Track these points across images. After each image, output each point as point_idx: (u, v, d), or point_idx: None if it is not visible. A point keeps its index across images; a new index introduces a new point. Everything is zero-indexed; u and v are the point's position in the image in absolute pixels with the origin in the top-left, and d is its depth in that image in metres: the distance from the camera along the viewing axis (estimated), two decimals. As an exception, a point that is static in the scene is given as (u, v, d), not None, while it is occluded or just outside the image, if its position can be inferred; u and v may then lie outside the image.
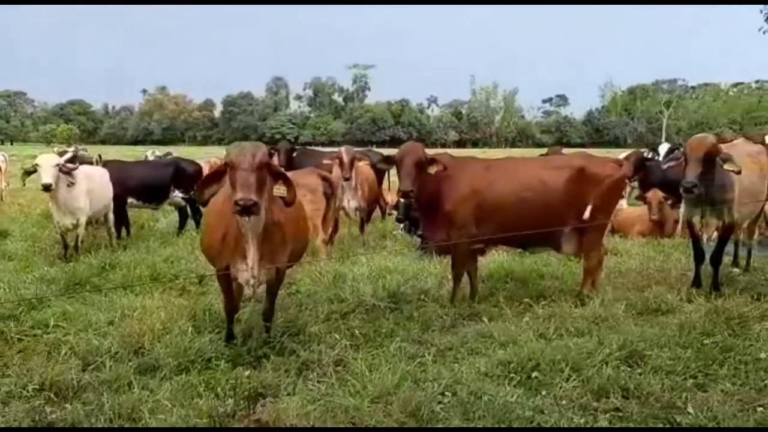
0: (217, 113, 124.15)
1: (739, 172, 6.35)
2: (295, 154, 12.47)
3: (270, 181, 4.59)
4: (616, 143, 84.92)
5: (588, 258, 6.56)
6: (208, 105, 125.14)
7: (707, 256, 7.11)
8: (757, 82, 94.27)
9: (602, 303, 6.20)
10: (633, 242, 9.99)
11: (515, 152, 67.31)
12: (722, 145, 7.31)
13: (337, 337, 5.21)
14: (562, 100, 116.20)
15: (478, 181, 6.34)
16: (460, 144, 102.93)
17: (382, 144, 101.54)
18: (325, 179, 8.75)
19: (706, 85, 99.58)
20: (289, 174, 8.87)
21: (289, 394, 4.26)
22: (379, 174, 11.77)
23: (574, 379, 4.50)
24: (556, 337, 5.46)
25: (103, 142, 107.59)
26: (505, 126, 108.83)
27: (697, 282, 7.08)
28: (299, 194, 8.58)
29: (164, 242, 10.03)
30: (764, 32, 16.02)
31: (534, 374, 4.60)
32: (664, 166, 6.81)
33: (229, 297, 5.06)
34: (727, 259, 8.34)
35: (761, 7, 15.98)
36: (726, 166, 6.33)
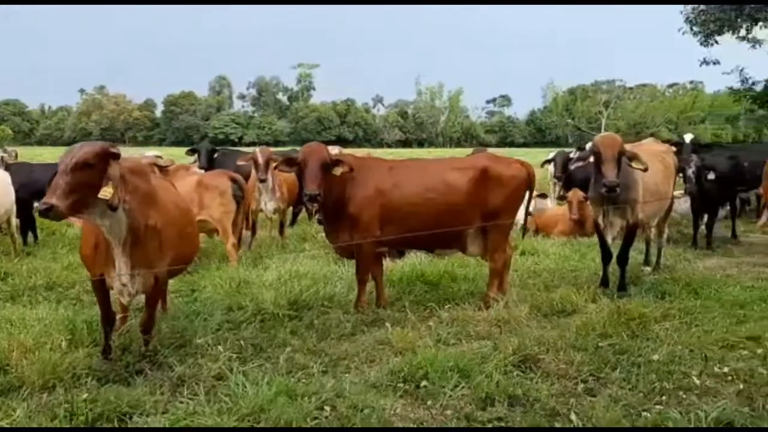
0: (158, 113, 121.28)
1: (645, 170, 6.35)
2: (216, 155, 12.11)
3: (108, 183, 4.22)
4: (558, 143, 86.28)
5: (493, 259, 6.46)
6: (149, 105, 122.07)
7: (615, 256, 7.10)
8: (691, 82, 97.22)
9: (506, 305, 6.11)
10: (552, 242, 10.01)
11: (457, 152, 67.76)
12: (628, 145, 7.36)
13: (221, 349, 4.93)
14: (506, 100, 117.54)
15: (382, 182, 6.17)
16: (405, 144, 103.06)
17: (328, 144, 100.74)
18: (234, 181, 8.45)
19: (644, 85, 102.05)
20: (198, 176, 8.70)
21: (157, 413, 3.99)
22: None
23: (463, 387, 4.37)
24: (455, 343, 5.35)
25: (39, 143, 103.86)
26: (450, 126, 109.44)
27: (604, 282, 7.08)
28: (208, 197, 8.36)
29: (73, 248, 9.55)
30: (683, 33, 16.41)
31: (423, 383, 4.44)
32: (572, 167, 6.77)
33: (104, 307, 4.73)
34: (641, 257, 8.44)
35: (681, 8, 16.36)
36: (633, 165, 6.33)
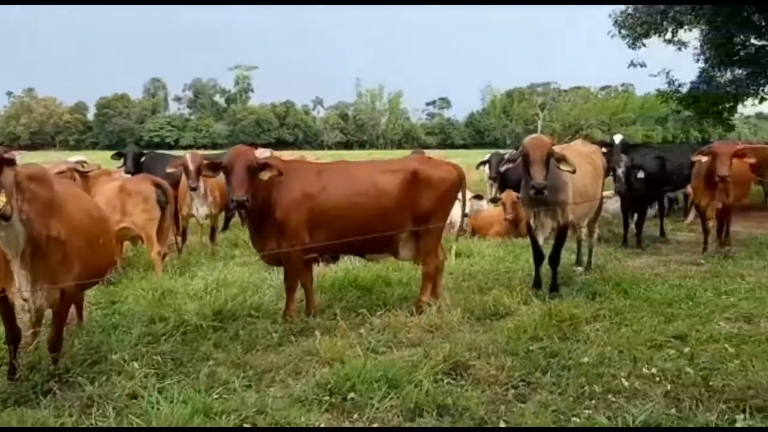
0: (90, 116, 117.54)
1: (573, 172, 6.35)
2: (144, 159, 11.64)
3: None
4: (497, 144, 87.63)
5: (425, 263, 6.35)
6: (80, 108, 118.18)
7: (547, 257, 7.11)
8: (623, 85, 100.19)
9: (439, 310, 6.01)
10: (488, 243, 10.01)
11: (398, 154, 67.95)
12: (557, 147, 7.37)
13: (137, 365, 4.64)
14: (445, 102, 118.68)
15: (309, 186, 5.98)
16: (347, 146, 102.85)
17: (267, 146, 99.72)
18: (158, 186, 8.10)
19: (578, 88, 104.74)
20: (120, 181, 8.31)
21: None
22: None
23: (392, 398, 4.22)
24: (386, 351, 5.20)
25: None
26: (391, 128, 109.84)
27: (537, 283, 7.07)
28: (131, 203, 7.99)
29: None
30: (612, 36, 16.77)
31: (351, 395, 4.27)
32: (502, 169, 6.72)
33: (8, 324, 4.38)
34: (574, 257, 8.49)
35: (610, 10, 16.73)
36: (561, 166, 6.31)
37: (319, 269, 7.29)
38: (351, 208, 5.95)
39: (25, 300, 4.11)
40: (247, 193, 5.59)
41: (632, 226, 10.36)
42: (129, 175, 10.40)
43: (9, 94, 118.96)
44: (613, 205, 11.12)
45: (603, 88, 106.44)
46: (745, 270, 7.92)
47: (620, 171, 9.87)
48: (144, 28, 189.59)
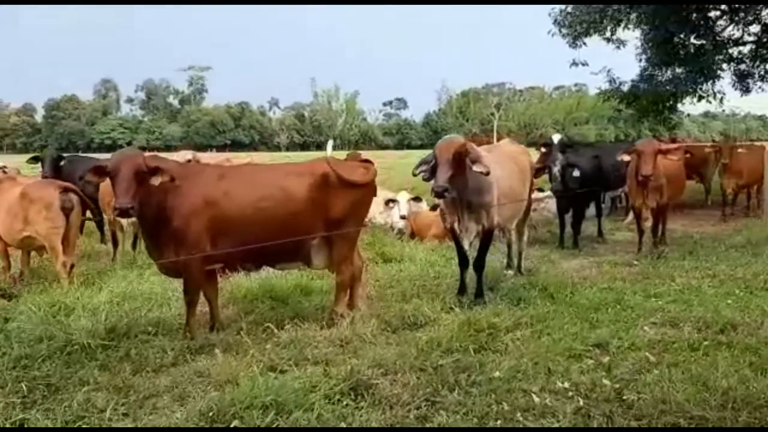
0: (38, 118, 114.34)
1: (487, 174, 6.05)
2: (63, 163, 11.02)
3: None
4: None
5: (339, 272, 5.98)
6: (28, 109, 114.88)
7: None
8: (576, 85, 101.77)
9: (352, 322, 5.65)
10: (422, 246, 9.70)
11: (363, 155, 67.44)
12: (485, 146, 7.09)
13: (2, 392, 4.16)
14: (402, 103, 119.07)
15: (210, 191, 5.53)
16: (303, 147, 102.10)
17: (222, 148, 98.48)
18: (66, 190, 7.55)
19: (532, 88, 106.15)
20: (22, 187, 7.74)
21: None
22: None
23: (279, 424, 3.84)
24: (288, 369, 4.81)
25: None
26: (348, 129, 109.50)
27: (462, 289, 6.77)
28: (33, 210, 7.43)
29: None
30: (553, 35, 16.67)
31: (234, 423, 3.88)
32: (416, 172, 6.40)
33: None
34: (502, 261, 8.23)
35: (549, 10, 16.62)
36: (474, 168, 6.01)
37: (234, 279, 6.89)
38: (256, 215, 5.53)
39: None
40: (133, 199, 5.11)
41: (570, 227, 10.17)
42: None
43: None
44: (555, 204, 10.93)
45: (557, 88, 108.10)
46: (676, 271, 7.76)
47: (556, 170, 9.68)
48: (94, 28, 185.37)
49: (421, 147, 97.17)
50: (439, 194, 5.89)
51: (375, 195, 6.21)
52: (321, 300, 6.61)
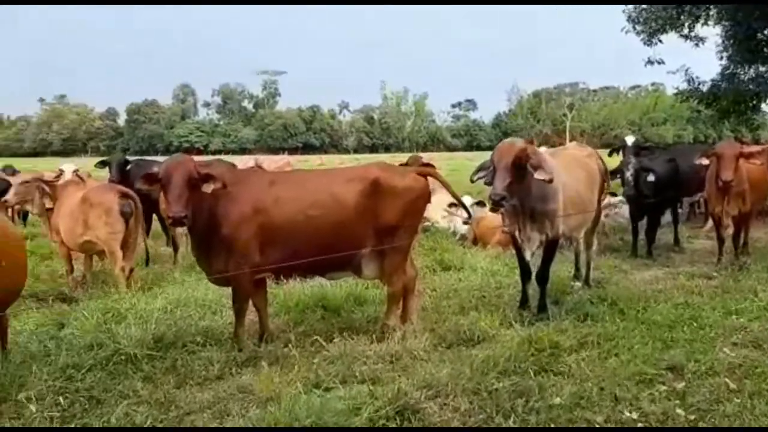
0: (121, 122, 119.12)
1: (550, 181, 5.64)
2: (129, 167, 11.17)
3: None
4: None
5: (391, 283, 5.71)
6: (111, 114, 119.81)
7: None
8: (653, 84, 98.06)
9: (403, 337, 5.36)
10: (485, 254, 9.32)
11: (425, 156, 67.02)
12: (550, 150, 6.69)
13: (34, 409, 4.07)
14: (471, 104, 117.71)
15: (260, 198, 5.37)
16: (372, 149, 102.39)
17: (294, 150, 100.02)
18: (125, 196, 7.59)
19: (606, 88, 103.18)
20: (83, 191, 7.82)
21: None
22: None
23: (319, 450, 3.61)
24: (333, 386, 4.57)
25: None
26: (417, 131, 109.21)
27: (523, 303, 6.39)
28: (93, 215, 7.49)
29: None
30: (626, 32, 15.88)
31: (271, 446, 3.67)
32: (474, 179, 6.07)
33: None
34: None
35: (623, 7, 15.84)
36: (536, 175, 5.61)
37: (286, 287, 6.72)
38: (306, 222, 5.33)
39: None
40: (185, 208, 5.00)
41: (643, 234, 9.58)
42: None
43: (41, 101, 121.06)
44: (628, 210, 10.34)
45: (633, 88, 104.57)
46: (759, 285, 7.08)
47: (628, 174, 9.13)
48: (173, 34, 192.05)
49: (490, 149, 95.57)
50: (496, 203, 5.54)
51: (429, 201, 5.90)
52: (374, 311, 6.35)
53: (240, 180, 5.46)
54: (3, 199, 7.68)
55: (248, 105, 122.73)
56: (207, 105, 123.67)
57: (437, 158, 55.81)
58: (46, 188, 8.18)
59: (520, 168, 5.57)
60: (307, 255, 5.28)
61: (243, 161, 10.25)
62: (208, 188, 5.13)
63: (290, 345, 5.32)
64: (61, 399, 4.23)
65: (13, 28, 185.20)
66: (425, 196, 5.75)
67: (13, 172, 13.70)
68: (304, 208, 5.36)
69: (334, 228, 5.39)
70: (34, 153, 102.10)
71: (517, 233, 6.22)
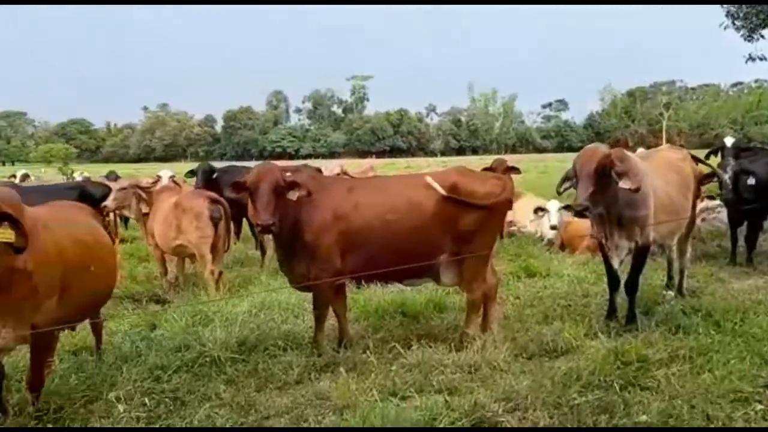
0: (218, 128, 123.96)
1: (636, 190, 5.37)
2: (216, 175, 11.54)
3: None
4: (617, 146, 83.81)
5: (470, 290, 5.62)
6: (209, 121, 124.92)
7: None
8: (756, 81, 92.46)
9: (483, 347, 5.26)
10: (572, 260, 9.04)
11: (515, 158, 66.15)
12: (641, 152, 6.40)
13: (122, 409, 4.23)
14: (562, 104, 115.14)
15: (341, 204, 5.40)
16: (459, 152, 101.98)
17: (382, 154, 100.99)
18: (215, 202, 7.85)
19: (706, 85, 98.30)
20: (176, 197, 8.13)
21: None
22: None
23: (392, 461, 3.58)
24: (409, 396, 4.54)
25: (106, 160, 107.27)
26: (505, 132, 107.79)
27: (611, 313, 6.13)
28: (185, 220, 7.78)
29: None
30: (725, 28, 15.01)
31: (345, 454, 3.67)
32: (561, 190, 5.88)
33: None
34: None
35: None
36: (621, 183, 5.34)
37: (367, 293, 6.75)
38: (385, 228, 5.33)
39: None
40: (273, 216, 5.10)
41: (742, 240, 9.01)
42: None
43: (145, 109, 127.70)
44: (725, 215, 9.77)
45: (734, 85, 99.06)
46: None
47: (726, 177, 8.61)
48: (266, 41, 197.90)
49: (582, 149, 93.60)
50: (579, 213, 5.34)
51: (510, 209, 5.77)
52: (454, 318, 6.28)
53: (322, 187, 5.51)
54: (102, 204, 8.10)
55: (337, 110, 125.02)
56: (298, 111, 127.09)
57: (526, 160, 55.08)
58: (142, 194, 8.58)
59: (604, 176, 5.35)
60: (386, 261, 5.27)
61: (329, 167, 10.36)
62: (293, 195, 5.22)
63: (368, 351, 5.32)
64: (146, 400, 4.38)
65: (119, 39, 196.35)
66: (507, 203, 5.62)
67: (116, 178, 14.48)
68: (383, 214, 5.36)
69: (413, 234, 5.35)
70: (139, 159, 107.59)
71: (604, 240, 5.98)
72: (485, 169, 11.30)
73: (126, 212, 9.00)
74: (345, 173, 9.44)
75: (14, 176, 21.56)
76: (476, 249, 5.44)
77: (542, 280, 7.92)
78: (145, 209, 8.52)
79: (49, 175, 33.31)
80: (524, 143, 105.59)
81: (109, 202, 8.30)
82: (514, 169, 11.06)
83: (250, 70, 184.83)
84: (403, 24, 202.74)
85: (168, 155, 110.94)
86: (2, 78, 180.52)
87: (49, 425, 4.17)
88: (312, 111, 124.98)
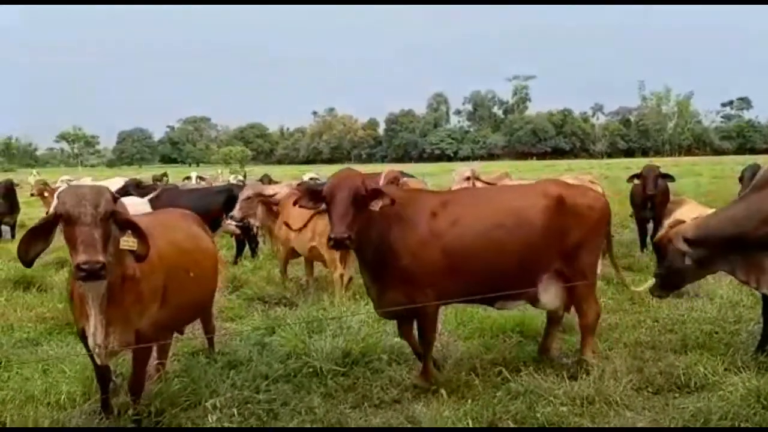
0: (380, 131, 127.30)
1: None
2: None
3: (116, 233, 3.80)
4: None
5: (584, 313, 5.19)
6: (372, 124, 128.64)
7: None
8: None
9: (600, 377, 4.75)
10: (730, 280, 8.02)
11: (683, 161, 61.56)
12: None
13: (212, 419, 4.25)
14: (745, 103, 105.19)
15: (438, 219, 4.93)
16: (628, 153, 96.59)
17: (543, 155, 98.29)
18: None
19: None
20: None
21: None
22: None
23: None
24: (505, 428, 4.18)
25: (278, 162, 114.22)
26: (679, 133, 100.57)
27: (763, 344, 5.32)
28: (321, 223, 7.82)
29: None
30: None
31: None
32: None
33: (94, 363, 4.31)
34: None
35: None
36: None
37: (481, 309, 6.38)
38: (489, 247, 4.91)
39: (98, 345, 3.96)
40: (350, 228, 4.51)
41: None
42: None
43: (314, 113, 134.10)
44: None
45: None
46: None
47: None
48: (428, 46, 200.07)
49: (766, 152, 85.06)
50: None
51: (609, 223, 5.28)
52: (576, 341, 5.77)
53: (411, 199, 5.10)
54: (230, 215, 8.37)
55: (498, 111, 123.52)
56: (458, 112, 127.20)
57: (701, 163, 50.96)
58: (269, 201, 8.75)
59: None
60: (487, 281, 4.92)
61: (459, 171, 10.04)
62: (376, 205, 4.66)
63: (474, 373, 5.01)
64: (235, 411, 4.37)
65: (290, 48, 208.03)
66: (608, 217, 5.31)
67: (270, 181, 15.11)
68: (487, 230, 4.95)
69: (519, 252, 4.95)
70: (307, 161, 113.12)
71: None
72: (633, 176, 10.51)
73: (252, 220, 9.20)
74: (476, 179, 9.09)
75: (189, 178, 23.43)
76: (582, 268, 5.04)
77: (690, 301, 7.10)
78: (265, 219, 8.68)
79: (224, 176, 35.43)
80: (701, 144, 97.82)
81: (235, 212, 8.55)
82: (667, 176, 10.19)
83: (410, 73, 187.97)
84: (567, 21, 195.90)
85: (334, 157, 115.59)
86: (191, 86, 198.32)
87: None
88: (472, 112, 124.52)
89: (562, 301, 5.22)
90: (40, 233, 3.77)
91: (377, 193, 4.70)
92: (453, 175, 10.49)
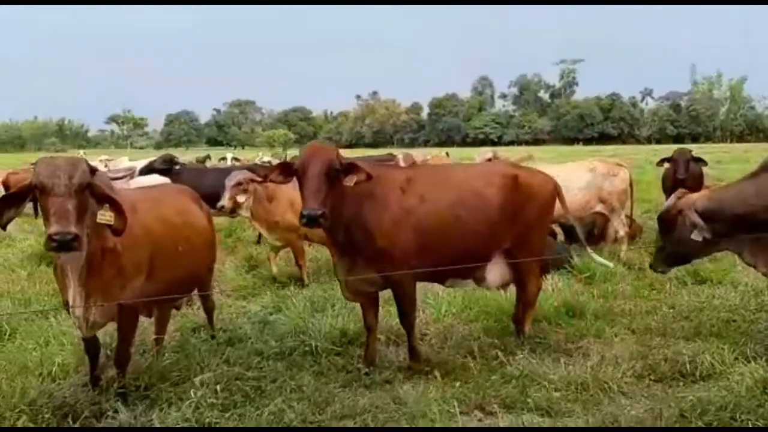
0: (423, 115, 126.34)
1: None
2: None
3: (92, 206, 3.77)
4: None
5: (525, 288, 5.29)
6: (415, 108, 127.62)
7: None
8: None
9: (601, 362, 4.57)
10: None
11: (735, 147, 59.53)
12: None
13: (193, 394, 4.19)
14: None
15: (405, 197, 4.79)
16: (677, 139, 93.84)
17: (589, 141, 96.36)
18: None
19: None
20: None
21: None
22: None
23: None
24: (499, 411, 4.07)
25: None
26: (732, 119, 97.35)
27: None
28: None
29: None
30: None
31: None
32: None
33: (81, 335, 4.31)
34: None
35: None
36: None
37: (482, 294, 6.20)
38: (454, 224, 4.85)
39: (76, 317, 3.97)
40: (323, 204, 4.31)
41: None
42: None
43: (357, 97, 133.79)
44: None
45: None
46: None
47: None
48: (474, 29, 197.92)
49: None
50: None
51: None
52: (584, 326, 5.58)
53: (382, 176, 4.86)
54: (218, 204, 7.73)
55: (544, 95, 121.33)
56: (503, 96, 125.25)
57: (752, 149, 49.12)
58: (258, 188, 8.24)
59: None
60: (450, 259, 4.85)
61: (481, 154, 9.86)
62: (350, 181, 4.46)
63: (470, 356, 4.89)
64: (218, 387, 4.30)
65: (334, 32, 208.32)
66: (555, 198, 5.32)
67: (204, 160, 14.81)
68: (451, 207, 4.88)
69: (477, 230, 4.94)
70: (350, 144, 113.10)
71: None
72: (663, 160, 10.12)
73: (242, 211, 8.52)
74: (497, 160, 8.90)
75: (224, 158, 23.65)
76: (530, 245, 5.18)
77: (712, 288, 6.80)
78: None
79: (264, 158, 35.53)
80: (754, 131, 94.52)
81: (225, 201, 7.71)
82: (700, 160, 9.82)
83: (455, 56, 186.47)
84: (617, 6, 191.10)
85: (377, 141, 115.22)
86: (237, 70, 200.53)
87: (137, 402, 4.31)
88: (517, 96, 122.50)
89: (504, 280, 5.24)
90: (13, 201, 3.76)
91: (352, 168, 4.49)
92: (476, 158, 10.30)
